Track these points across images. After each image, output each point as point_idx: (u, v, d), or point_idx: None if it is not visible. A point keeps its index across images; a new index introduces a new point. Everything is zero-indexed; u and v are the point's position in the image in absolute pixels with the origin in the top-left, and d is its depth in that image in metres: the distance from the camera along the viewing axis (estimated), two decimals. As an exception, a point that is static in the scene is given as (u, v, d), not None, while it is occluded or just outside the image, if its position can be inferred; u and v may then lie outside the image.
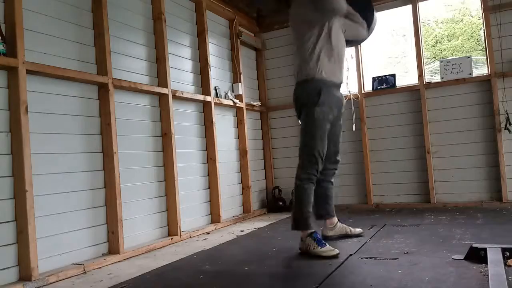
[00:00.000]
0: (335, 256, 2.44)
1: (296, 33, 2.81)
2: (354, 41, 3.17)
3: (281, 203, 4.78)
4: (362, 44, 4.58)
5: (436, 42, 8.84)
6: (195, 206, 3.82)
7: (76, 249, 2.66)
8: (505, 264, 1.95)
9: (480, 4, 4.12)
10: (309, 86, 2.71)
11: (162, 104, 3.48)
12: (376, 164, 4.51)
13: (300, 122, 2.85)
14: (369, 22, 3.06)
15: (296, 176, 2.73)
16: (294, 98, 2.83)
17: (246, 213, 4.49)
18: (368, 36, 3.17)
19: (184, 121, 3.78)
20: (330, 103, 2.72)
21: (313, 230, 2.60)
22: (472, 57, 4.20)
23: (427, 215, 3.73)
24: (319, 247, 2.51)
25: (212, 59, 4.18)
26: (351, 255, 2.46)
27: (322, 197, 2.93)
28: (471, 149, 4.14)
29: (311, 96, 2.69)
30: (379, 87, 4.52)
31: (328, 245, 2.53)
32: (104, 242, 2.86)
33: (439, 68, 4.30)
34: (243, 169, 4.57)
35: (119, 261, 2.78)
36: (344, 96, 4.52)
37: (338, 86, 2.83)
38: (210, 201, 4.00)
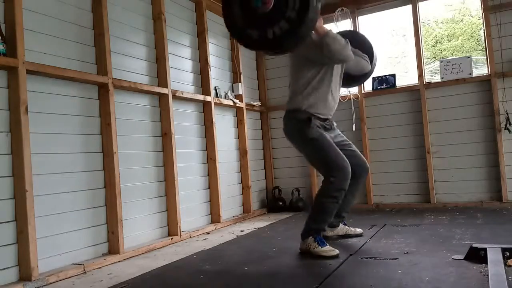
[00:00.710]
0: (335, 256, 2.44)
1: (295, 65, 2.78)
2: (360, 77, 3.15)
3: (281, 203, 4.78)
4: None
5: (436, 42, 8.83)
6: (195, 206, 3.82)
7: (76, 249, 2.66)
8: (505, 264, 1.95)
9: (480, 4, 4.12)
10: (298, 115, 2.69)
11: (162, 104, 3.48)
12: (376, 164, 4.50)
13: (300, 151, 2.85)
14: (370, 56, 3.04)
15: (325, 192, 2.62)
16: (285, 131, 2.83)
17: (246, 213, 4.49)
18: (373, 70, 3.14)
19: (184, 121, 3.78)
20: (321, 128, 2.69)
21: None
22: (472, 57, 4.20)
23: (427, 215, 3.73)
24: (320, 247, 2.52)
25: (212, 59, 4.18)
26: (351, 255, 2.46)
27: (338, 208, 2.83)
28: (471, 149, 4.14)
29: (302, 121, 2.66)
30: (379, 87, 4.52)
31: (328, 245, 2.53)
32: (104, 242, 2.86)
33: (439, 68, 4.30)
34: (243, 169, 4.57)
35: (119, 261, 2.78)
36: (344, 96, 4.57)
37: (326, 119, 2.76)
38: (210, 201, 4.00)
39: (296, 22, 1.98)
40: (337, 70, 2.80)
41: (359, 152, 2.93)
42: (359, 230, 3.04)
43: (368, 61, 3.00)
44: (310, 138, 2.65)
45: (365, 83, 4.58)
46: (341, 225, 3.02)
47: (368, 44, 3.09)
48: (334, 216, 2.76)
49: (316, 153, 2.70)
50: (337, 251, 2.49)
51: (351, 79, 3.05)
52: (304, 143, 2.73)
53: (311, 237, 2.58)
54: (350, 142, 2.93)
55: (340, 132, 2.92)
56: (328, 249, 2.50)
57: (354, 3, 4.55)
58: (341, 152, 2.67)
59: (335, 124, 2.89)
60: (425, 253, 2.39)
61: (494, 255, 2.03)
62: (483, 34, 4.16)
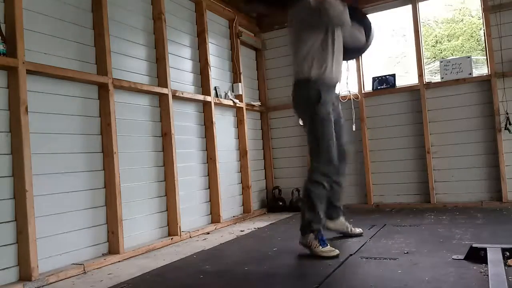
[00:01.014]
0: (335, 257, 2.44)
1: (296, 34, 2.78)
2: (355, 51, 3.14)
3: (281, 203, 4.78)
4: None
5: (436, 42, 8.83)
6: (195, 206, 3.82)
7: (76, 249, 2.66)
8: (505, 264, 1.95)
9: (480, 4, 4.12)
10: (309, 85, 2.70)
11: (162, 104, 3.48)
12: (376, 164, 4.51)
13: (301, 123, 2.85)
14: (367, 29, 3.05)
15: (309, 179, 2.66)
16: (293, 97, 2.82)
17: (246, 213, 4.49)
18: (368, 45, 3.14)
19: (184, 121, 3.78)
20: (330, 101, 2.73)
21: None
22: (472, 57, 4.20)
23: (427, 215, 3.72)
24: (321, 247, 2.50)
25: (212, 59, 4.18)
26: (351, 255, 2.46)
27: (329, 199, 2.85)
28: (471, 149, 4.13)
29: (313, 95, 2.68)
30: (379, 87, 4.52)
31: (329, 246, 2.53)
32: (104, 242, 2.86)
33: (439, 68, 4.30)
34: (243, 169, 4.57)
35: (119, 261, 2.78)
36: (344, 96, 4.57)
37: (334, 86, 2.83)
38: (210, 201, 4.00)
39: None
40: (338, 33, 2.78)
41: (344, 134, 2.93)
42: (359, 230, 3.03)
43: (364, 34, 3.01)
44: (316, 114, 2.66)
45: (365, 83, 4.60)
46: (342, 218, 3.00)
47: (367, 19, 3.09)
48: (328, 207, 2.78)
49: (315, 133, 2.69)
50: (337, 252, 2.48)
51: (344, 51, 2.98)
52: (309, 117, 2.72)
53: (312, 234, 2.54)
54: (341, 119, 2.95)
55: (339, 106, 2.95)
56: (329, 250, 2.49)
57: (354, 3, 4.54)
58: (334, 143, 2.70)
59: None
60: (425, 253, 2.39)
61: (494, 255, 2.03)
62: (483, 34, 4.16)
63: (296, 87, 2.79)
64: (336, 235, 2.98)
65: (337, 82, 2.84)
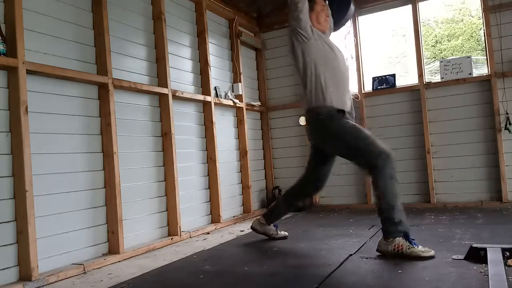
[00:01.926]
0: (433, 256, 2.26)
1: (294, 64, 2.85)
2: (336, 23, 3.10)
3: (281, 203, 4.77)
4: (360, 42, 4.59)
5: (436, 42, 8.84)
6: (195, 206, 3.82)
7: (76, 249, 2.66)
8: (505, 264, 1.95)
9: (480, 4, 4.12)
10: (320, 111, 2.65)
11: (162, 104, 3.48)
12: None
13: (331, 149, 2.78)
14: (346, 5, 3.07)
15: (384, 176, 2.46)
16: (309, 130, 2.77)
17: (246, 213, 4.49)
18: (344, 18, 3.13)
19: (184, 121, 3.78)
20: (342, 117, 2.66)
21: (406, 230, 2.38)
22: (472, 57, 4.20)
23: (427, 215, 3.72)
24: (416, 247, 2.30)
25: (212, 59, 4.18)
26: (351, 255, 2.46)
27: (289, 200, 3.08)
28: (471, 149, 4.14)
29: (328, 116, 2.62)
30: (379, 87, 4.52)
31: (420, 245, 2.33)
32: (104, 242, 2.86)
33: (439, 68, 4.30)
34: (243, 169, 4.57)
35: (119, 261, 2.78)
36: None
37: (344, 113, 2.69)
38: (210, 201, 4.00)
39: None
40: (320, 42, 2.74)
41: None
42: (283, 233, 3.14)
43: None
44: (339, 132, 2.60)
45: (365, 83, 4.60)
46: (271, 226, 3.12)
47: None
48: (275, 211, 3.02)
49: (350, 144, 2.56)
50: (433, 251, 2.30)
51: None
52: (334, 137, 2.63)
53: (399, 237, 2.33)
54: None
55: None
56: (426, 250, 2.30)
57: (354, 3, 4.53)
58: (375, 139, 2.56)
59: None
60: (425, 253, 2.39)
61: (494, 255, 2.03)
62: (483, 34, 4.16)
63: (308, 118, 2.74)
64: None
65: (346, 109, 2.71)
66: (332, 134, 2.64)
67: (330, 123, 2.63)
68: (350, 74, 2.90)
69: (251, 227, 3.15)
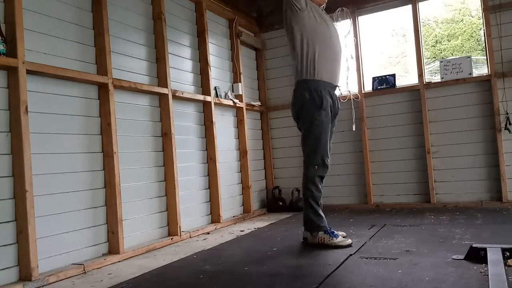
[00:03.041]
0: (350, 245, 2.66)
1: (287, 37, 2.91)
2: None
3: (281, 203, 4.78)
4: (360, 42, 4.58)
5: (436, 42, 8.83)
6: (195, 206, 3.82)
7: (76, 249, 2.66)
8: (505, 264, 1.95)
9: (480, 4, 4.12)
10: (309, 86, 2.76)
11: (162, 104, 3.48)
12: (376, 164, 4.51)
13: (299, 125, 2.90)
14: None
15: (308, 181, 2.79)
16: (293, 100, 2.89)
17: (246, 213, 4.49)
18: None
19: (184, 121, 3.78)
20: (328, 106, 2.79)
21: (326, 226, 2.76)
22: (472, 57, 4.20)
23: (427, 215, 3.73)
24: (334, 239, 2.68)
25: (212, 59, 4.18)
26: (351, 255, 2.46)
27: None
28: (471, 149, 4.14)
29: (314, 98, 2.74)
30: (379, 87, 4.52)
31: (340, 236, 2.73)
32: (104, 242, 2.86)
33: (439, 68, 4.30)
34: (243, 169, 4.57)
35: (119, 261, 2.78)
36: (344, 96, 4.57)
37: (333, 87, 2.87)
38: (210, 201, 4.00)
39: None
40: (314, 19, 2.81)
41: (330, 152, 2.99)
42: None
43: None
44: (316, 118, 2.74)
45: (365, 83, 4.60)
46: None
47: None
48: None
49: (313, 135, 2.77)
50: (350, 240, 2.71)
51: None
52: (309, 120, 2.78)
53: (321, 231, 2.72)
54: (335, 121, 3.00)
55: (339, 107, 2.96)
56: (342, 240, 2.70)
57: (354, 3, 4.55)
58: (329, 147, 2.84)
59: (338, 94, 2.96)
60: (425, 253, 2.39)
61: (494, 255, 2.03)
62: (483, 34, 4.16)
63: (296, 90, 2.85)
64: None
65: (336, 83, 2.88)
66: (304, 116, 2.80)
67: (310, 105, 2.76)
68: (342, 48, 2.99)
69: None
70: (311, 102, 2.75)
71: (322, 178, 2.83)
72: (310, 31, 2.77)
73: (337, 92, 2.93)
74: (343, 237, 2.80)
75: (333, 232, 2.73)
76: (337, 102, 2.93)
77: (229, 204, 4.29)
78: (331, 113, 2.83)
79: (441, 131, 4.24)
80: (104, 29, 2.91)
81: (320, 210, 2.79)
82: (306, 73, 2.77)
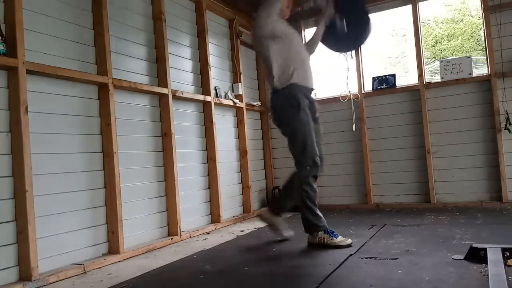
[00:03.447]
0: (350, 245, 2.67)
1: (257, 48, 3.07)
2: (346, 41, 3.29)
3: (281, 203, 4.77)
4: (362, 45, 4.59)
5: (436, 42, 8.84)
6: (195, 206, 3.82)
7: (76, 249, 2.66)
8: (505, 264, 1.95)
9: (480, 4, 4.12)
10: (284, 92, 2.83)
11: (162, 104, 3.48)
12: (376, 164, 4.51)
13: (281, 130, 2.97)
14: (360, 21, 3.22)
15: (302, 183, 2.81)
16: (271, 108, 2.97)
17: (246, 213, 4.49)
18: (361, 38, 3.29)
19: (184, 121, 3.78)
20: (306, 106, 2.84)
21: (325, 226, 2.78)
22: (472, 57, 4.20)
23: (427, 215, 3.73)
24: (334, 238, 2.70)
25: (212, 59, 4.18)
26: (351, 255, 2.46)
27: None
28: (471, 149, 4.14)
29: (291, 102, 2.80)
30: (379, 87, 4.52)
31: (340, 235, 2.74)
32: (104, 242, 2.86)
33: (439, 68, 4.30)
34: (243, 169, 4.57)
35: (119, 261, 2.78)
36: (344, 96, 4.57)
37: (309, 91, 2.93)
38: (210, 201, 4.00)
39: None
40: (293, 40, 2.90)
41: (321, 149, 2.99)
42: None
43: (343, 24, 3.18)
44: (297, 120, 2.79)
45: (365, 83, 4.60)
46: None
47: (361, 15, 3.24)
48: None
49: (298, 137, 2.81)
50: (350, 240, 2.72)
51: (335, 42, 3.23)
52: (290, 124, 2.84)
53: (321, 231, 2.73)
54: (318, 125, 3.00)
55: (317, 114, 2.98)
56: (343, 239, 2.71)
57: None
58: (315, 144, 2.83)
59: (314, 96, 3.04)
60: (425, 253, 2.40)
61: (494, 255, 2.03)
62: (483, 34, 4.16)
63: (272, 96, 2.91)
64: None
65: (310, 87, 2.94)
66: (286, 120, 2.87)
67: (289, 109, 2.82)
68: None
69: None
70: (289, 106, 2.81)
71: (316, 177, 2.85)
72: (280, 42, 2.83)
73: (313, 95, 2.99)
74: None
75: (333, 232, 2.75)
76: (315, 104, 2.98)
77: (229, 204, 4.29)
78: (311, 113, 2.88)
79: (441, 131, 4.24)
80: (104, 29, 2.91)
81: (317, 210, 2.80)
82: (280, 79, 2.83)
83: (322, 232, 2.74)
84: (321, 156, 2.89)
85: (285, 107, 2.82)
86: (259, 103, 4.98)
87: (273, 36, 2.82)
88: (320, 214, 2.79)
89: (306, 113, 2.81)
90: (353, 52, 4.58)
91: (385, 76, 4.51)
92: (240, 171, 4.56)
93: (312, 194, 2.80)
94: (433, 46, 8.70)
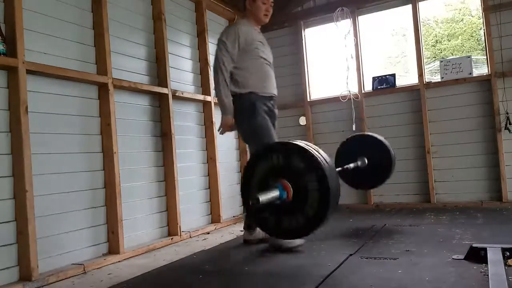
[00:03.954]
0: (300, 245, 2.64)
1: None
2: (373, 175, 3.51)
3: (281, 203, 4.77)
4: (360, 42, 4.58)
5: (436, 41, 8.84)
6: (195, 206, 3.82)
7: (76, 249, 2.66)
8: (505, 264, 1.95)
9: (480, 3, 4.12)
10: (242, 99, 2.84)
11: (162, 104, 3.48)
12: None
13: (239, 132, 3.01)
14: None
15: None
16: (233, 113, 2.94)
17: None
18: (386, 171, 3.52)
19: (184, 121, 3.78)
20: (262, 111, 2.86)
21: None
22: (472, 57, 4.19)
23: (427, 215, 3.72)
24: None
25: (212, 59, 4.17)
26: (351, 255, 2.46)
27: None
28: (471, 149, 4.13)
29: (247, 108, 2.82)
30: (379, 87, 4.52)
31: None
32: (104, 242, 2.86)
33: (439, 68, 4.30)
34: (243, 169, 4.55)
35: (119, 261, 2.78)
36: (344, 96, 4.57)
37: (267, 98, 2.95)
38: (210, 201, 4.00)
39: (312, 219, 1.99)
40: (255, 53, 2.92)
41: None
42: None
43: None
44: (253, 124, 2.82)
45: (365, 83, 4.60)
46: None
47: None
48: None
49: (256, 141, 2.80)
50: (301, 241, 2.66)
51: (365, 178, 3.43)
52: (248, 128, 2.86)
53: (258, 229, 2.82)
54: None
55: (275, 121, 3.04)
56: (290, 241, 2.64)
57: (354, 3, 4.55)
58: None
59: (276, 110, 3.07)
60: (425, 253, 2.39)
61: (494, 255, 2.03)
62: (483, 34, 4.16)
63: (233, 102, 2.88)
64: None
65: (268, 94, 2.95)
66: (243, 122, 2.87)
67: (246, 114, 2.83)
68: (272, 60, 3.12)
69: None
70: (247, 111, 2.82)
71: None
72: (241, 54, 2.86)
73: (273, 103, 3.02)
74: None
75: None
76: (275, 111, 3.02)
77: (229, 204, 4.29)
78: (269, 118, 2.90)
79: (441, 131, 4.24)
80: (104, 29, 2.91)
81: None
82: (238, 87, 2.84)
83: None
84: None
85: (243, 111, 2.84)
86: (259, 103, 4.97)
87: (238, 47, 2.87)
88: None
89: (263, 116, 2.83)
90: (353, 52, 4.58)
91: (385, 76, 4.51)
92: (240, 171, 4.56)
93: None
94: (433, 46, 8.70)
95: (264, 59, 2.97)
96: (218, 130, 2.96)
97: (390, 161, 3.39)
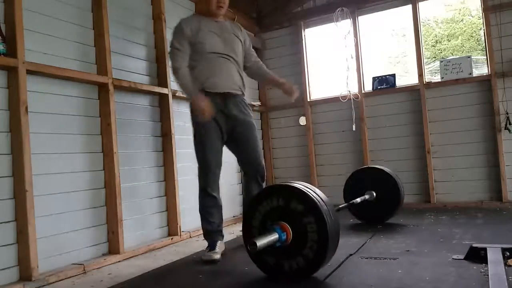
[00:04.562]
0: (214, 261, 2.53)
1: None
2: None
3: (281, 203, 4.77)
4: (360, 42, 4.58)
5: (436, 42, 8.84)
6: (195, 206, 3.79)
7: (76, 249, 2.66)
8: (505, 264, 1.95)
9: (480, 4, 4.12)
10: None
11: (162, 104, 3.48)
12: (376, 164, 4.50)
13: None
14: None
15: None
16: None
17: (246, 213, 4.48)
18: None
19: (184, 121, 3.77)
20: (205, 121, 2.60)
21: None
22: (472, 57, 4.20)
23: (427, 215, 3.72)
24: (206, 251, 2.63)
25: (212, 59, 4.18)
26: (351, 255, 2.46)
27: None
28: (471, 149, 4.14)
29: (193, 111, 2.70)
30: (379, 87, 4.52)
31: (213, 251, 2.60)
32: (104, 242, 2.86)
33: (439, 68, 4.30)
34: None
35: (119, 261, 2.78)
36: (344, 96, 4.57)
37: (222, 96, 2.68)
38: (210, 201, 3.99)
39: (311, 262, 1.99)
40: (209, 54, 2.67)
41: (257, 153, 2.94)
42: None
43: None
44: (195, 134, 2.77)
45: (365, 83, 4.60)
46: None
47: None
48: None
49: (196, 153, 2.80)
50: (214, 256, 2.55)
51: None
52: (193, 134, 2.81)
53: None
54: (250, 138, 2.88)
55: (248, 119, 2.81)
56: (211, 254, 2.57)
57: (354, 3, 4.55)
58: (209, 154, 2.75)
59: (246, 108, 2.81)
60: (425, 253, 2.39)
61: (494, 255, 2.03)
62: (483, 34, 4.16)
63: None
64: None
65: (223, 91, 2.67)
66: (193, 129, 2.80)
67: (192, 119, 2.76)
68: (237, 55, 2.78)
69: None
70: (192, 116, 2.72)
71: (202, 191, 2.77)
72: (192, 50, 2.66)
73: (235, 100, 2.73)
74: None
75: (213, 245, 2.66)
76: (232, 112, 2.72)
77: (229, 204, 4.28)
78: (224, 124, 2.72)
79: (441, 131, 4.24)
80: (104, 29, 2.91)
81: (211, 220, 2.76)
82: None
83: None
84: (254, 166, 2.93)
85: (191, 115, 2.77)
86: (259, 103, 4.97)
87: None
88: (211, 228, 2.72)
89: (206, 129, 2.67)
90: (353, 52, 4.59)
91: (385, 76, 4.52)
92: (240, 171, 4.55)
93: (205, 226, 2.74)
94: (433, 46, 8.70)
95: (216, 53, 2.66)
96: (198, 120, 2.62)
97: (399, 197, 3.37)
